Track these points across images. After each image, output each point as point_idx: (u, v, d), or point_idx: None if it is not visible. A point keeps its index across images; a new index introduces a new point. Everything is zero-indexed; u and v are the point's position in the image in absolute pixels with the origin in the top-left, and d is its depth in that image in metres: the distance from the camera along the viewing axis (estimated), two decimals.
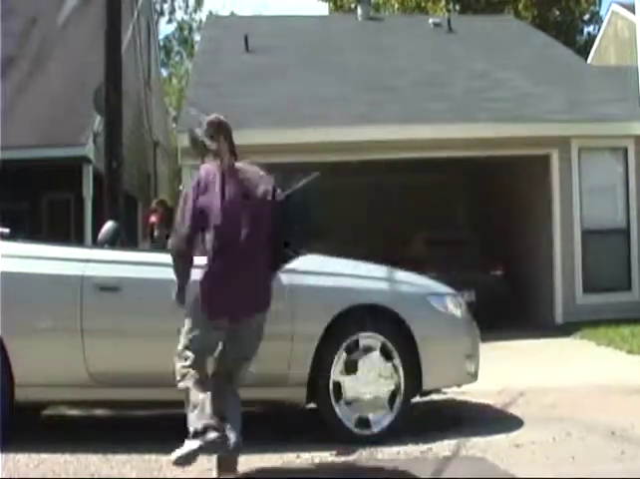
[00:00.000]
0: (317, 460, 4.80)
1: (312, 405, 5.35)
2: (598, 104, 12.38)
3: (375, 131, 11.44)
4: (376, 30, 16.83)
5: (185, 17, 35.62)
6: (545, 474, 4.49)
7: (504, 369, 7.91)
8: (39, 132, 11.80)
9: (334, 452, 4.91)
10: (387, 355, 5.24)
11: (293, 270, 5.13)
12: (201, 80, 13.41)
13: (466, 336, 5.65)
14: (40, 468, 4.60)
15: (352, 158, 11.98)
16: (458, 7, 26.31)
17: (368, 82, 13.16)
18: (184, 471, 4.51)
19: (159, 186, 18.70)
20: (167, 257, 4.56)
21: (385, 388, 5.24)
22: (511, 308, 12.20)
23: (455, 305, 5.62)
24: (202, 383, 4.28)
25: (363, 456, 4.89)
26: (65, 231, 12.86)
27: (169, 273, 4.51)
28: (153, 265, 5.24)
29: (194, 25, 35.17)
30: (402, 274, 5.73)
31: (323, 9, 29.92)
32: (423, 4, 26.06)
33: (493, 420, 5.96)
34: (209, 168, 4.46)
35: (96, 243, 5.87)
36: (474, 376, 5.70)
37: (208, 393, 4.24)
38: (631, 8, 16.61)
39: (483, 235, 13.91)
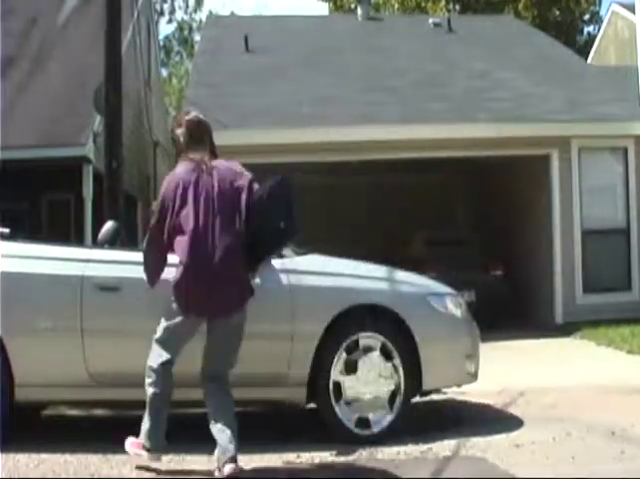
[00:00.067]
0: (317, 460, 4.80)
1: (312, 405, 5.35)
2: (598, 104, 12.38)
3: (375, 131, 11.42)
4: (376, 30, 16.84)
5: (185, 17, 35.70)
6: (545, 474, 4.48)
7: (504, 369, 7.91)
8: (39, 132, 11.79)
9: (334, 452, 4.90)
10: (387, 355, 5.23)
11: (293, 270, 5.14)
12: (201, 80, 13.41)
13: (466, 336, 5.64)
14: (40, 468, 4.60)
15: (352, 158, 11.99)
16: (458, 7, 26.35)
17: (368, 82, 13.15)
18: (185, 471, 4.51)
19: (158, 186, 18.66)
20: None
21: (385, 388, 5.23)
22: (511, 308, 12.20)
23: (455, 305, 5.61)
24: (163, 397, 4.40)
25: (363, 456, 4.88)
26: (65, 231, 12.86)
27: (169, 274, 4.50)
28: None
29: (194, 25, 35.23)
30: (402, 274, 5.72)
31: (323, 9, 29.97)
32: (423, 4, 26.08)
33: (493, 420, 5.96)
34: (187, 165, 4.43)
35: (96, 243, 5.85)
36: (474, 376, 5.70)
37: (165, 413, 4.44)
38: (631, 8, 16.61)
39: (483, 235, 13.90)
